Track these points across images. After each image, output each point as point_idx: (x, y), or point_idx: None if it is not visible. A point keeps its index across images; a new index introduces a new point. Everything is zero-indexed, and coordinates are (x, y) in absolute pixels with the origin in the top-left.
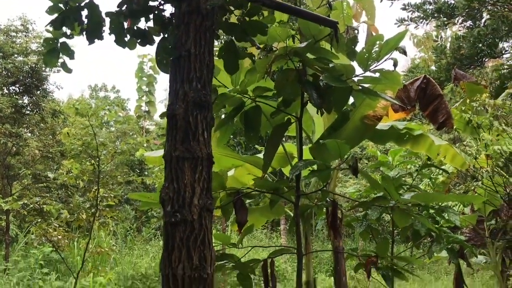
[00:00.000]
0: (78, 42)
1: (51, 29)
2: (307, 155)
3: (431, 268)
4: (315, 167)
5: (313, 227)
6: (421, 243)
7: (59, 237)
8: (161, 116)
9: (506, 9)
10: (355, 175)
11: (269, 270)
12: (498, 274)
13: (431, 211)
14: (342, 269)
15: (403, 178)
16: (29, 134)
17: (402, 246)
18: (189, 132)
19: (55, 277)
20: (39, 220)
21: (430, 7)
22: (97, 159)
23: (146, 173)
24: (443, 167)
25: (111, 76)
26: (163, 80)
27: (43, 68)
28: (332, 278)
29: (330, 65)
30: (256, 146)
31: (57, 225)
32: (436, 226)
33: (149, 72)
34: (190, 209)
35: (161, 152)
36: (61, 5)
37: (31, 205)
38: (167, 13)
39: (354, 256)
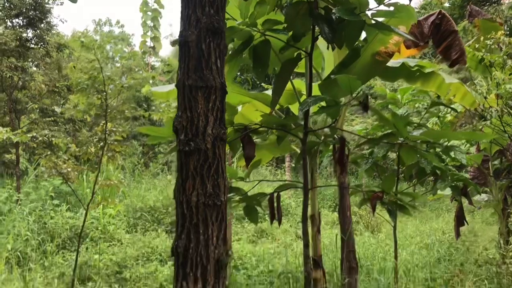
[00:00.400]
0: None
1: None
2: (315, 92)
3: (432, 206)
4: (323, 103)
5: (318, 164)
6: (424, 181)
7: (69, 169)
8: (173, 43)
9: None
10: (366, 111)
11: (275, 204)
12: (499, 212)
13: (438, 149)
14: (346, 204)
15: (410, 118)
16: (35, 68)
17: (405, 184)
18: (202, 60)
19: (65, 208)
20: (49, 153)
21: None
22: (104, 93)
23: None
24: (452, 106)
25: (115, 10)
26: (168, 15)
27: (46, 0)
28: (334, 213)
29: None
30: (263, 84)
31: (67, 158)
32: (442, 164)
33: (154, 6)
34: (204, 138)
35: (168, 87)
36: None
37: (40, 138)
38: None
39: (358, 192)
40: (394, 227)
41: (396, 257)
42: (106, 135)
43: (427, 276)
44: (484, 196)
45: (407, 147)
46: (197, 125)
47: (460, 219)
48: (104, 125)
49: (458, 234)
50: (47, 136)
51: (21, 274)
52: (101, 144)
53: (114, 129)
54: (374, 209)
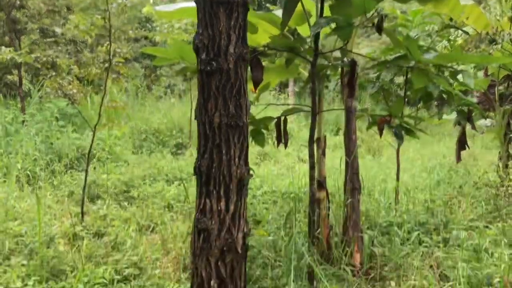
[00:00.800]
0: None
1: None
2: (326, 13)
3: (434, 130)
4: (334, 25)
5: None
6: (430, 105)
7: (74, 91)
8: None
9: None
10: (380, 33)
11: (282, 127)
12: (500, 137)
13: (446, 73)
14: (352, 128)
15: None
16: None
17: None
18: None
19: (71, 130)
20: (54, 74)
21: None
22: (107, 12)
23: (157, 29)
24: (464, 29)
25: None
26: None
27: None
28: (336, 136)
29: None
30: (268, 5)
31: (71, 80)
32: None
33: None
34: (226, 57)
35: (173, 6)
36: None
37: (44, 59)
38: None
39: (365, 116)
40: (398, 150)
41: (398, 178)
42: (111, 55)
43: (426, 198)
44: (487, 121)
45: (418, 70)
46: (219, 44)
47: (462, 143)
48: (108, 46)
49: (459, 158)
50: (51, 56)
51: (32, 192)
52: (106, 65)
53: (118, 50)
54: (381, 133)
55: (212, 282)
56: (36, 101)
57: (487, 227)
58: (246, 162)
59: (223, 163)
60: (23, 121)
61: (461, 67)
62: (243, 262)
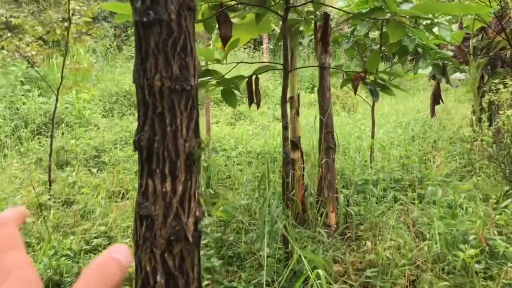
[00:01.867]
0: None
1: None
2: None
3: (408, 85)
4: None
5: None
6: (405, 60)
7: (33, 53)
8: None
9: None
10: None
11: (253, 87)
12: (474, 90)
13: (421, 27)
14: (326, 85)
15: None
16: None
17: (383, 65)
18: None
19: (37, 94)
20: (9, 35)
21: None
22: None
23: None
24: None
25: None
26: None
27: None
28: (312, 94)
29: None
30: None
31: (30, 41)
32: (424, 42)
33: None
34: (166, 5)
35: None
36: None
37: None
38: None
39: (339, 73)
40: (373, 107)
41: (373, 136)
42: (70, 14)
43: (402, 154)
44: (460, 75)
45: (394, 23)
46: None
47: (436, 98)
48: (68, 3)
49: (433, 112)
50: (4, 16)
51: None
52: (66, 24)
53: (78, 7)
54: (356, 90)
55: (158, 277)
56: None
57: (461, 181)
58: (197, 134)
59: (167, 135)
60: None
61: (435, 20)
62: (196, 251)
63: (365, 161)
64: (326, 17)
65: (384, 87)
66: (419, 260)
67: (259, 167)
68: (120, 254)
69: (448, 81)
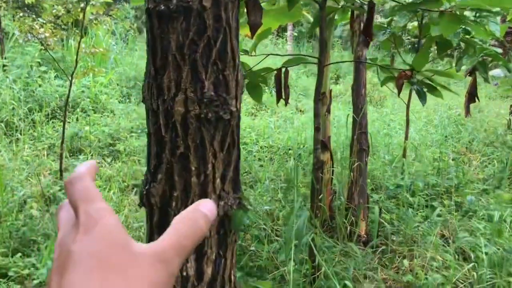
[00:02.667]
0: None
1: None
2: None
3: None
4: None
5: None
6: (445, 56)
7: (47, 34)
8: None
9: None
10: None
11: (283, 80)
12: None
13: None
14: (362, 81)
15: None
16: None
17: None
18: None
19: (53, 76)
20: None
21: None
22: None
23: None
24: None
25: None
26: None
27: None
28: (336, 85)
29: None
30: None
31: (44, 22)
32: (468, 36)
33: None
34: None
35: None
36: None
37: None
38: None
39: (373, 66)
40: (407, 105)
41: (406, 137)
42: None
43: (435, 156)
44: (499, 72)
45: (450, 15)
46: None
47: (472, 96)
48: None
49: (468, 111)
50: None
51: (9, 145)
52: (82, 5)
53: None
54: (400, 90)
55: None
56: (16, 44)
57: (498, 187)
58: (237, 186)
59: (192, 189)
60: (3, 66)
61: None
62: None
63: (397, 163)
64: (371, 6)
65: (432, 87)
66: (461, 283)
67: (282, 165)
68: (207, 209)
69: (487, 79)
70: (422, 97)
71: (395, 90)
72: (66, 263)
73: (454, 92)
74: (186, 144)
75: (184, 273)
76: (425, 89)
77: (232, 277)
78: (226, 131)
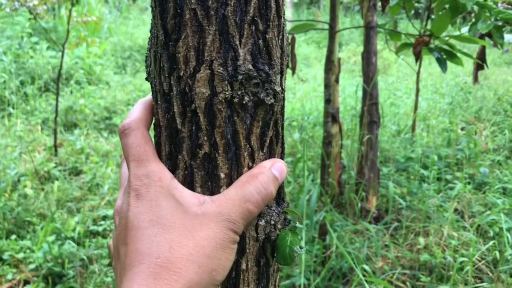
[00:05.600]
0: None
1: None
2: None
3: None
4: None
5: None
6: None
7: (35, 2)
8: None
9: None
10: None
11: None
12: None
13: None
14: (373, 49)
15: None
16: None
17: (417, 25)
18: None
19: (45, 47)
20: None
21: None
22: None
23: None
24: None
25: None
26: None
27: None
28: (339, 53)
29: None
30: None
31: None
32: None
33: None
34: None
35: None
36: None
37: None
38: None
39: (392, 34)
40: (418, 73)
41: (416, 107)
42: None
43: (445, 126)
44: (510, 37)
45: None
46: None
47: (482, 59)
48: None
49: (476, 79)
50: None
51: (1, 120)
52: None
53: None
54: (418, 57)
55: None
56: (5, 13)
57: (509, 158)
58: (281, 197)
59: None
60: None
61: None
62: None
63: (406, 133)
64: None
65: (451, 54)
66: (479, 261)
67: (286, 137)
68: (278, 171)
69: (496, 44)
70: (443, 65)
71: (402, 58)
72: (128, 231)
73: (474, 59)
74: (213, 141)
75: None
76: (444, 56)
77: None
78: (267, 121)
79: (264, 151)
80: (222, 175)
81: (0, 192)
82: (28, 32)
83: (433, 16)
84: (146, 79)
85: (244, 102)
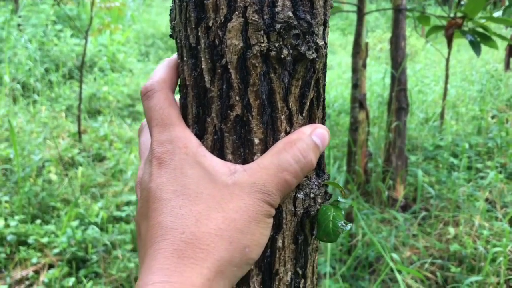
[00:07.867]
0: None
1: None
2: None
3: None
4: None
5: None
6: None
7: None
8: None
9: None
10: None
11: None
12: None
13: None
14: (401, 33)
15: None
16: None
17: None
18: None
19: (70, 34)
20: None
21: None
22: None
23: None
24: None
25: None
26: None
27: None
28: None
29: None
30: None
31: None
32: None
33: None
34: None
35: None
36: None
37: None
38: None
39: (412, 16)
40: (447, 60)
41: (445, 94)
42: None
43: (475, 114)
44: None
45: None
46: None
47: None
48: None
49: (507, 66)
50: None
51: (26, 106)
52: None
53: None
54: (450, 41)
55: None
56: (30, 1)
57: None
58: (321, 168)
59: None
60: (18, 25)
61: None
62: None
63: (434, 121)
64: None
65: (486, 37)
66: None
67: None
68: (320, 138)
69: None
70: (477, 48)
71: (431, 45)
72: (150, 203)
73: (510, 41)
74: (246, 101)
75: None
76: (478, 39)
77: None
78: (308, 80)
79: (304, 114)
80: (256, 141)
81: (25, 177)
82: (52, 20)
83: (462, 2)
84: (171, 36)
85: (282, 56)
